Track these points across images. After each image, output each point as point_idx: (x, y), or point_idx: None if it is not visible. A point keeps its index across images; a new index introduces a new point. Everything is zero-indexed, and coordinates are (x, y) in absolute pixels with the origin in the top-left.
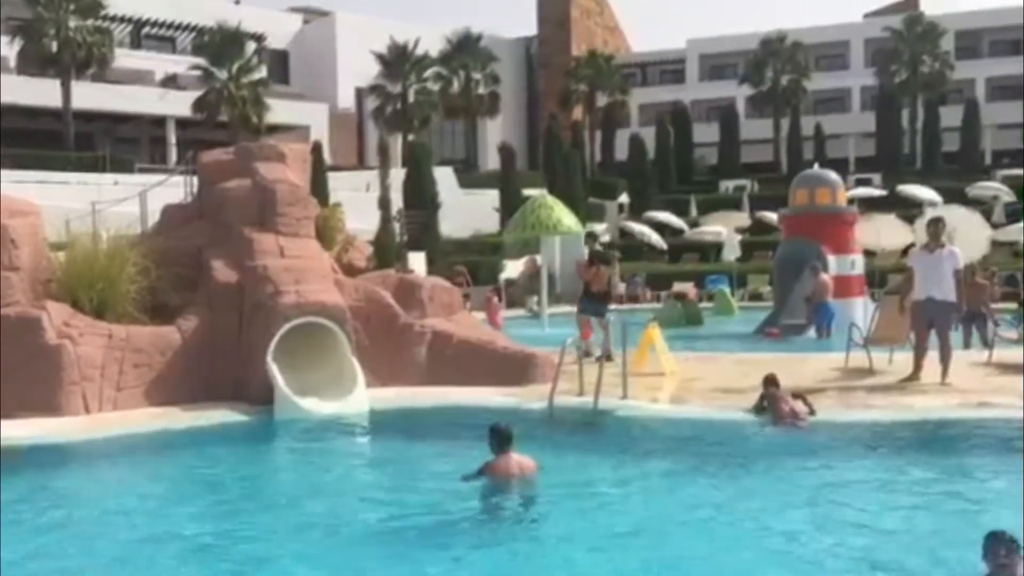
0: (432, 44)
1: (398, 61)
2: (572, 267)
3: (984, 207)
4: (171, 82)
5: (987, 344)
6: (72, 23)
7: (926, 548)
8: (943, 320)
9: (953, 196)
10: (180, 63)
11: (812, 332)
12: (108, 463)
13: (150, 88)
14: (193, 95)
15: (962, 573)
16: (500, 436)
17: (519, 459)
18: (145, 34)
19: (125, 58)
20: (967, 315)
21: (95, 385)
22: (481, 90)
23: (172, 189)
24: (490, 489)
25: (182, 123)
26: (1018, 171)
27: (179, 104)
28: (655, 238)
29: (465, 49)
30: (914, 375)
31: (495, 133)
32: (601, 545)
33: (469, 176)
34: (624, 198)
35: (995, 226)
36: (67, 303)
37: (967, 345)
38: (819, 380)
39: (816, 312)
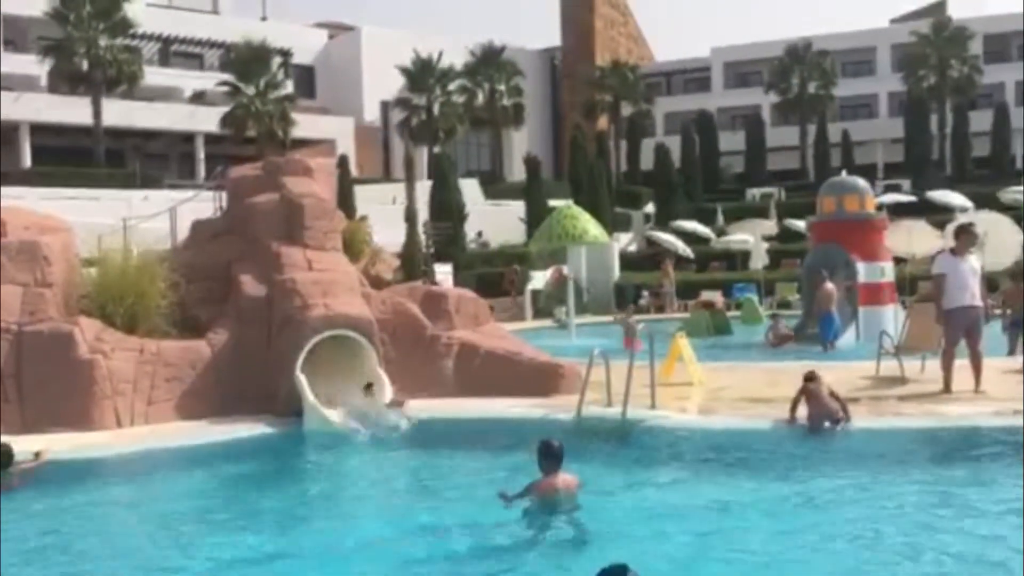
0: (456, 57)
1: (422, 74)
2: (599, 277)
3: (1016, 212)
4: (199, 98)
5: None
6: (102, 42)
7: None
8: (977, 328)
9: (984, 201)
10: (208, 79)
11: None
12: (140, 477)
13: (179, 104)
14: (221, 111)
15: None
16: (553, 454)
17: (566, 477)
18: (173, 51)
19: (154, 75)
20: (1011, 321)
21: (127, 399)
22: (505, 101)
23: (201, 204)
24: (536, 507)
25: (210, 139)
26: None
27: (207, 120)
28: (681, 247)
29: (489, 61)
30: (946, 387)
31: (520, 144)
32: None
33: (495, 187)
34: (650, 207)
35: None
36: (99, 318)
37: (1012, 351)
38: (850, 389)
39: (820, 323)
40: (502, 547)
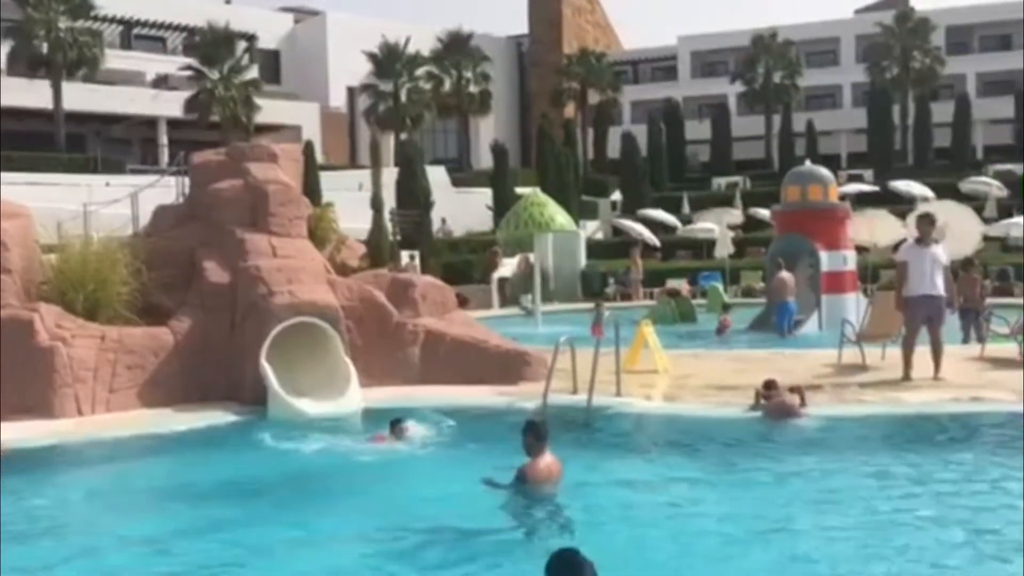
0: (423, 43)
1: (389, 60)
2: (566, 265)
3: (976, 202)
4: (162, 83)
5: (980, 339)
6: (62, 24)
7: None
8: (938, 316)
9: (945, 191)
10: (171, 64)
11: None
12: (99, 465)
13: (141, 89)
14: (184, 95)
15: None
16: (540, 432)
17: (551, 460)
18: (136, 35)
19: (116, 59)
20: (964, 310)
21: (88, 387)
22: (473, 89)
23: (164, 190)
24: (524, 493)
25: (173, 124)
26: (1010, 166)
27: (170, 105)
28: (648, 235)
29: (456, 48)
30: (906, 375)
31: (487, 132)
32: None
33: (462, 175)
34: (617, 196)
35: (987, 221)
36: (59, 305)
37: (967, 340)
38: (813, 376)
39: (775, 311)
40: (481, 537)
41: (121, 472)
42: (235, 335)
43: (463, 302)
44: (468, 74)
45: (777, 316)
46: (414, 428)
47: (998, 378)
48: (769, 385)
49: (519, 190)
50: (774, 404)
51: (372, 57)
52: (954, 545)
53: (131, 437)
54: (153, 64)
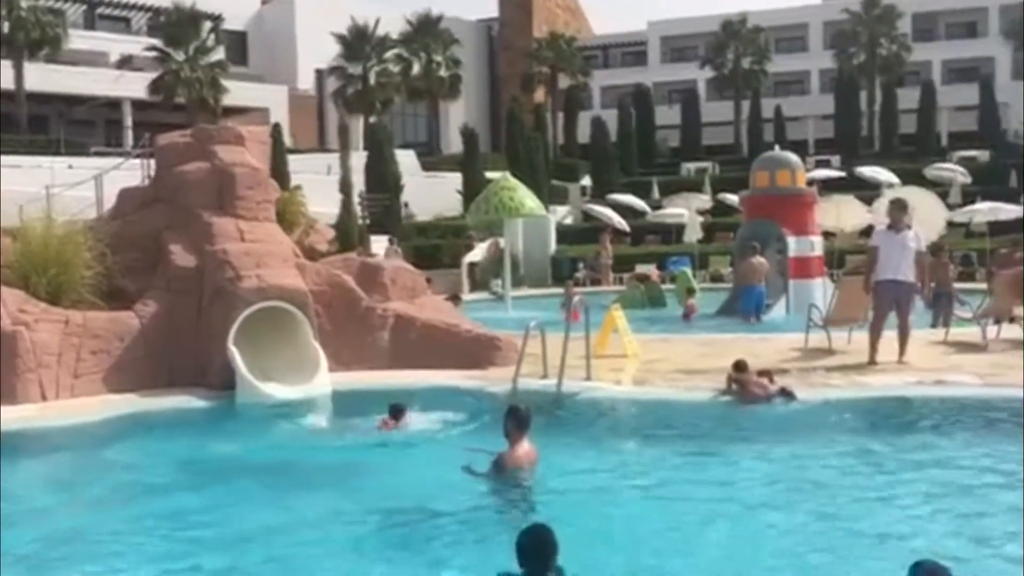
0: (393, 26)
1: (358, 42)
2: (536, 249)
3: (940, 188)
4: (126, 63)
5: (946, 323)
6: (24, 3)
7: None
8: (906, 300)
9: (910, 177)
10: (135, 44)
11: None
12: (63, 451)
13: (105, 70)
14: (149, 77)
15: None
16: (522, 419)
17: (528, 447)
18: (99, 14)
19: (79, 39)
20: (936, 294)
21: (51, 372)
22: (443, 72)
23: (129, 173)
24: (503, 479)
25: (138, 105)
26: (974, 153)
27: (135, 86)
28: (617, 220)
29: (426, 31)
30: (872, 360)
31: (457, 116)
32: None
33: (431, 159)
34: (587, 180)
35: (951, 207)
36: (21, 289)
37: (936, 324)
38: (780, 360)
39: (742, 295)
40: (459, 520)
41: (85, 458)
42: (202, 319)
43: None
44: (438, 57)
45: (743, 300)
46: (412, 416)
47: (961, 361)
48: (739, 366)
49: (489, 174)
50: (750, 389)
51: (341, 39)
52: (923, 523)
53: (96, 422)
54: (117, 44)
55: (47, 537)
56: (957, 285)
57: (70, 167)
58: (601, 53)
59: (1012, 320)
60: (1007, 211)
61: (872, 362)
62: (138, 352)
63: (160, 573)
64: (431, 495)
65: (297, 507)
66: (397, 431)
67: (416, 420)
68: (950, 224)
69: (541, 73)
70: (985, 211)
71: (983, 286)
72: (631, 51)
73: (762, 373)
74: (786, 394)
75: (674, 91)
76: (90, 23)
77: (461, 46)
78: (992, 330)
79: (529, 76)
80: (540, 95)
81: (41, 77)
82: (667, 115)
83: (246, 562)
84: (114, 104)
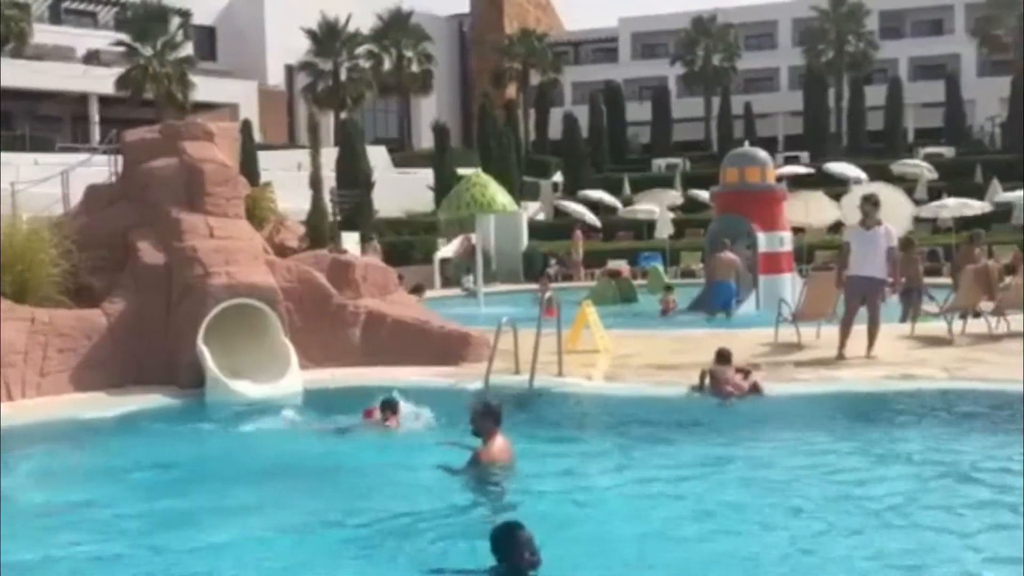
0: (363, 21)
1: (329, 38)
2: (508, 245)
3: (907, 184)
4: (93, 58)
5: (914, 318)
6: None
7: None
8: (875, 296)
9: (878, 173)
10: (102, 39)
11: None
12: (28, 451)
13: (71, 64)
14: (116, 72)
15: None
16: (495, 415)
17: (504, 442)
18: (65, 8)
19: (44, 33)
20: (906, 289)
21: (17, 371)
22: (414, 68)
23: (95, 169)
24: (481, 477)
25: (105, 101)
26: (940, 149)
27: (102, 81)
28: (589, 216)
29: (397, 26)
30: (839, 354)
31: (428, 112)
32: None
33: (403, 155)
34: (558, 176)
35: (918, 203)
36: None
37: (904, 319)
38: (750, 355)
39: (711, 291)
40: (437, 517)
41: (48, 458)
42: (171, 317)
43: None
44: (409, 53)
45: (712, 296)
46: (404, 410)
47: (928, 356)
48: (722, 356)
49: (461, 170)
50: (722, 386)
51: (311, 34)
52: (897, 516)
53: (62, 421)
54: (84, 39)
55: (7, 537)
56: (924, 280)
57: (36, 163)
58: (572, 49)
59: (977, 315)
60: (973, 207)
61: (840, 356)
62: (106, 350)
63: None
64: (407, 493)
65: (268, 506)
66: (385, 427)
67: (411, 415)
68: (917, 220)
69: (512, 69)
70: (951, 207)
71: (948, 280)
72: (602, 47)
73: (738, 370)
74: (754, 390)
75: (645, 87)
76: (56, 17)
77: (432, 42)
78: (958, 324)
79: (500, 72)
80: (512, 91)
81: (6, 72)
82: (638, 111)
83: (216, 565)
84: (81, 99)
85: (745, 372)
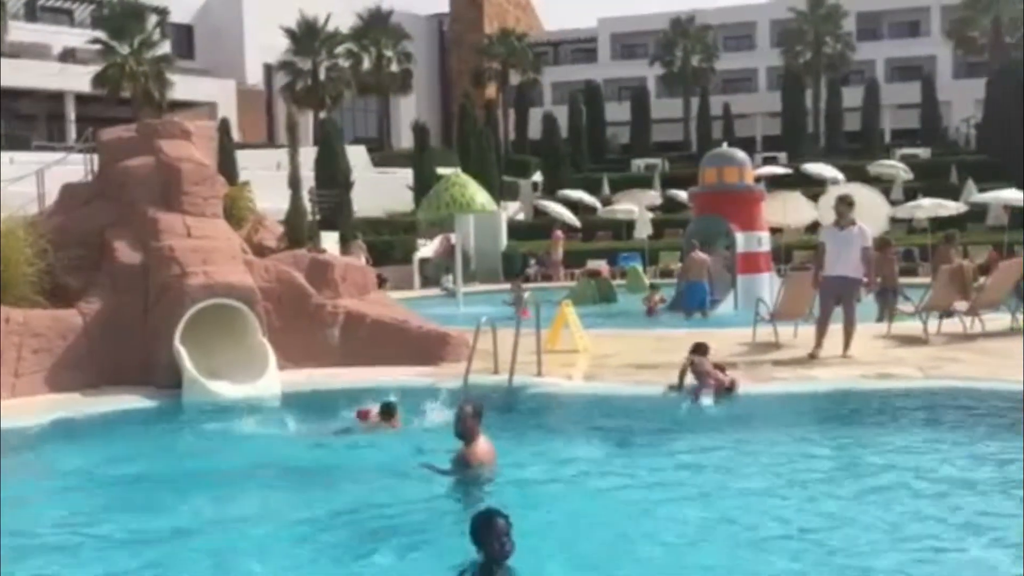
0: (343, 20)
1: (308, 36)
2: (487, 245)
3: (884, 185)
4: (70, 56)
5: (890, 317)
6: None
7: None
8: (849, 295)
9: (854, 174)
10: (79, 36)
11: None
12: (4, 453)
13: (47, 62)
14: (93, 70)
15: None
16: (478, 415)
17: (486, 443)
18: (41, 6)
19: (20, 31)
20: (882, 289)
21: None
22: (393, 67)
23: (71, 168)
24: (465, 477)
25: (82, 99)
26: (916, 150)
27: (78, 79)
28: (569, 216)
29: (376, 25)
30: (815, 353)
31: (408, 111)
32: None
33: (382, 155)
34: (538, 176)
35: (894, 203)
36: None
37: (880, 318)
38: (728, 354)
39: (685, 291)
40: (420, 517)
41: (25, 460)
42: (148, 317)
43: (379, 281)
44: (388, 52)
45: (687, 296)
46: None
47: (904, 355)
48: (699, 348)
49: (440, 170)
50: (702, 379)
51: (290, 33)
52: (879, 512)
53: (36, 424)
54: (60, 37)
55: None
56: (899, 280)
57: (11, 162)
58: (552, 50)
59: (951, 314)
60: (948, 207)
61: (812, 355)
62: (82, 351)
63: None
64: (390, 494)
65: (247, 506)
66: (383, 427)
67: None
68: (893, 220)
69: (492, 69)
70: (927, 207)
71: (926, 280)
72: (581, 48)
73: (716, 366)
74: (730, 388)
75: (624, 88)
76: (32, 15)
77: (412, 41)
78: (933, 324)
79: (480, 72)
80: (491, 91)
81: None
82: (617, 112)
83: (194, 567)
84: (57, 97)
85: (722, 368)
